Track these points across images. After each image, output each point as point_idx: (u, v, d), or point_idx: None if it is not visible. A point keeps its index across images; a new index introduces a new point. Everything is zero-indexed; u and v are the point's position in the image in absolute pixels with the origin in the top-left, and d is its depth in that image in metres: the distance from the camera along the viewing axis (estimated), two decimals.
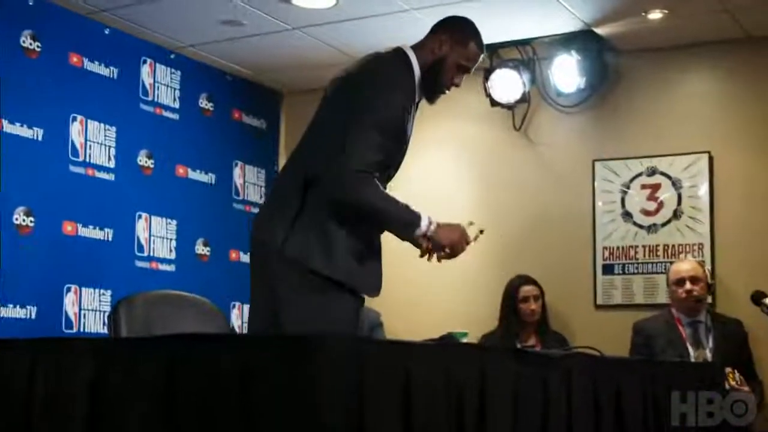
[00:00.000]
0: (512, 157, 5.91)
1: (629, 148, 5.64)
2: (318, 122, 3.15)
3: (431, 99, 3.19)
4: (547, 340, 5.28)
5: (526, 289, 5.40)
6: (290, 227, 2.98)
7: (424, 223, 3.01)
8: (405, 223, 3.01)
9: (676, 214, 5.48)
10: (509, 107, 5.76)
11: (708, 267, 5.25)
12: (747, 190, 5.36)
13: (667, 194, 5.51)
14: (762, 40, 5.39)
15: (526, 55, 5.72)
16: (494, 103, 5.68)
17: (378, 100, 2.97)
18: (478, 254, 5.80)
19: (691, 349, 4.84)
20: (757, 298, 4.66)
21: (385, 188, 3.06)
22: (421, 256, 3.09)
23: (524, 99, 5.69)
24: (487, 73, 5.62)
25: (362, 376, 1.83)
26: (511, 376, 2.25)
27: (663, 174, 5.53)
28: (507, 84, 5.63)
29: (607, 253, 5.60)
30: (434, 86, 3.16)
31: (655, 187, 5.54)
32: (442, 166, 6.10)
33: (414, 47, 3.16)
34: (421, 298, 5.91)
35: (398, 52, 3.13)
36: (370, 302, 5.50)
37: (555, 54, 5.58)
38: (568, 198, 5.74)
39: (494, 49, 5.68)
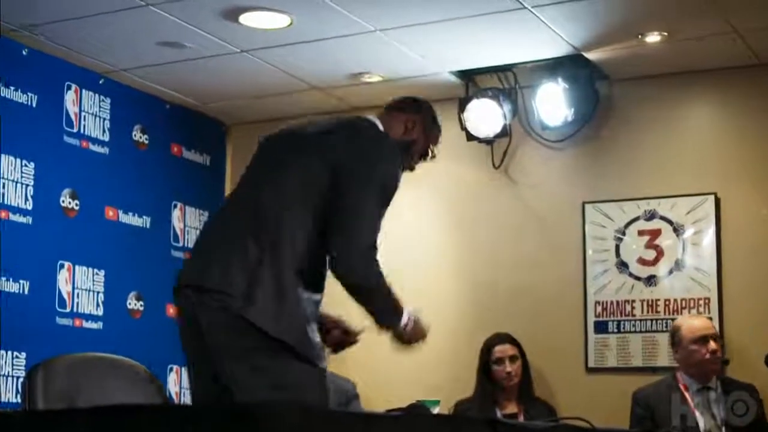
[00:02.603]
0: (491, 198, 5.93)
1: (624, 189, 5.67)
2: (297, 172, 3.27)
3: (405, 167, 3.48)
4: (530, 409, 5.27)
5: (501, 349, 5.39)
6: (253, 283, 3.08)
7: (404, 320, 3.30)
8: (392, 313, 3.29)
9: (679, 264, 5.51)
10: (488, 142, 5.79)
11: (717, 324, 5.27)
12: (758, 236, 5.41)
13: (668, 241, 5.54)
14: (765, 67, 5.47)
15: (506, 83, 5.75)
16: (471, 137, 5.70)
17: (386, 173, 3.27)
18: (454, 310, 5.86)
19: (701, 421, 4.83)
20: None
21: None
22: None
23: (505, 133, 5.71)
24: (463, 103, 5.65)
25: None
26: None
27: (663, 218, 5.57)
28: (485, 116, 5.65)
29: (599, 309, 5.61)
30: (407, 154, 3.47)
31: (655, 233, 5.57)
32: (412, 207, 6.08)
33: (380, 120, 3.47)
34: (397, 364, 5.86)
35: (374, 124, 3.43)
36: (343, 372, 5.58)
37: (540, 82, 5.62)
38: (555, 245, 5.75)
39: (470, 75, 5.72)
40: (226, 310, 3.06)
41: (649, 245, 5.57)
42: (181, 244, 6.07)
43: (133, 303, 5.72)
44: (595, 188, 5.73)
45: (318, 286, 3.23)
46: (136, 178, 5.85)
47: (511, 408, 5.35)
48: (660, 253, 5.56)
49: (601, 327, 5.59)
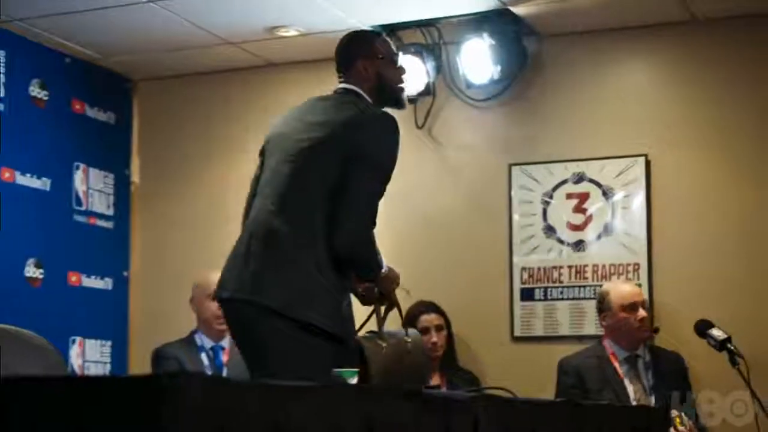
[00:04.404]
0: (413, 159, 5.94)
1: (552, 151, 5.75)
2: (309, 173, 3.66)
3: (402, 105, 3.98)
4: (454, 379, 5.35)
5: (427, 319, 5.46)
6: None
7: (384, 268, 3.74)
8: (376, 268, 3.73)
9: (608, 229, 5.61)
10: (411, 101, 5.81)
11: (646, 291, 5.40)
12: (690, 199, 5.53)
13: (596, 205, 5.64)
14: (712, 24, 5.55)
15: (430, 38, 5.79)
16: None
17: (383, 147, 3.68)
18: None
19: (630, 389, 4.95)
20: (702, 329, 4.80)
21: None
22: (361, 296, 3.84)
23: (428, 91, 5.77)
24: None
25: (224, 423, 1.84)
26: (405, 422, 2.27)
27: (592, 181, 5.66)
28: (409, 73, 5.66)
29: (526, 276, 5.70)
30: (394, 94, 3.91)
31: (583, 197, 5.67)
32: None
33: (350, 83, 3.87)
34: None
35: (354, 92, 3.82)
36: None
37: (465, 38, 5.66)
38: (480, 209, 5.82)
39: (393, 30, 5.74)
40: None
41: (578, 209, 5.66)
42: (83, 208, 6.04)
43: (32, 270, 5.68)
44: (522, 150, 5.81)
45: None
46: (34, 137, 5.79)
47: (435, 379, 5.40)
48: (588, 217, 5.64)
49: (527, 294, 5.68)
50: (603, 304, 5.12)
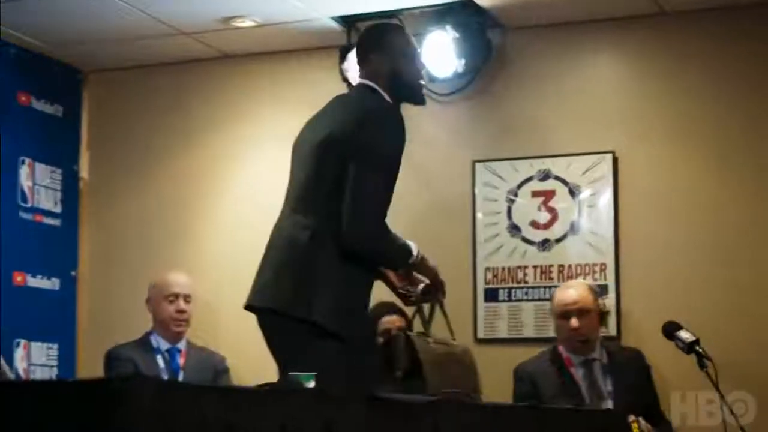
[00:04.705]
0: None
1: (517, 147, 5.77)
2: (317, 173, 3.79)
3: (420, 100, 4.01)
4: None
5: (388, 320, 5.46)
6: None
7: (414, 252, 3.81)
8: (403, 256, 3.80)
9: (574, 228, 5.63)
10: None
11: (613, 291, 5.43)
12: (659, 197, 5.54)
13: (563, 203, 5.66)
14: (681, 17, 5.58)
15: None
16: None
17: (383, 140, 3.72)
18: None
19: (586, 395, 4.97)
20: (670, 330, 4.85)
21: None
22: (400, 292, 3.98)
23: None
24: (344, 51, 5.66)
25: (177, 428, 1.85)
26: (364, 427, 2.29)
27: (558, 178, 5.68)
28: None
29: (490, 276, 5.71)
30: (411, 90, 3.95)
31: (549, 195, 5.68)
32: (286, 167, 6.10)
33: (366, 78, 3.92)
34: None
35: (368, 88, 3.87)
36: (216, 344, 5.61)
37: (427, 30, 5.65)
38: (443, 207, 5.83)
39: (353, 22, 5.72)
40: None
41: (543, 207, 5.67)
42: (29, 205, 5.99)
43: None
44: (486, 146, 5.81)
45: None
46: None
47: None
48: (554, 215, 5.67)
49: (491, 295, 5.69)
50: (550, 308, 5.18)
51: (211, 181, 6.25)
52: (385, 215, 3.73)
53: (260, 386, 2.55)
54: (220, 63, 6.30)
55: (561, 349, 5.08)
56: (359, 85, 3.95)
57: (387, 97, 3.85)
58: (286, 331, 3.69)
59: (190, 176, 6.27)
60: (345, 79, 5.69)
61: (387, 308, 5.51)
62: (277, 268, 3.74)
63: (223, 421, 1.97)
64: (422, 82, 3.99)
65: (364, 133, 3.69)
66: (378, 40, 3.97)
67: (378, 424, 2.36)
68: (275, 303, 3.71)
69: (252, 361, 5.70)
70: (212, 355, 5.60)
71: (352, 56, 5.63)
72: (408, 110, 5.88)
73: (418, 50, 4.05)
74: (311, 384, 3.12)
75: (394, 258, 3.80)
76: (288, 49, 6.12)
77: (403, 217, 5.82)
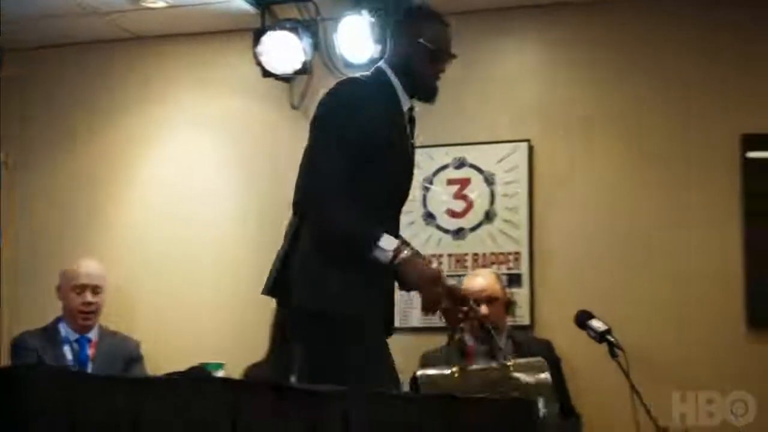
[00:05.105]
0: (289, 142, 5.93)
1: (433, 135, 5.74)
2: (304, 155, 3.61)
3: (424, 98, 3.70)
4: None
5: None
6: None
7: (388, 246, 3.34)
8: (361, 243, 3.39)
9: (489, 216, 5.66)
10: (286, 79, 5.81)
11: (527, 281, 5.47)
12: (574, 187, 5.60)
13: (477, 191, 5.69)
14: (604, 5, 5.64)
15: (307, 13, 5.77)
16: (267, 73, 5.70)
17: (334, 112, 3.51)
18: (246, 262, 5.90)
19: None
20: (582, 320, 4.90)
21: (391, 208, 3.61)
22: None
23: (305, 70, 5.74)
24: (258, 35, 5.63)
25: (80, 417, 1.84)
26: (271, 416, 2.29)
27: (473, 167, 5.72)
28: (283, 50, 5.66)
29: None
30: (416, 85, 3.66)
31: (464, 183, 5.72)
32: (198, 150, 6.10)
33: (385, 60, 3.68)
34: (189, 322, 5.91)
35: (372, 71, 3.66)
36: (132, 330, 5.55)
37: (343, 14, 5.65)
38: None
39: (267, 4, 5.70)
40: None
41: (458, 196, 5.71)
42: None
43: None
44: None
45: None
46: None
47: None
48: (469, 204, 5.70)
49: None
50: None
51: (125, 163, 6.20)
52: (336, 188, 3.40)
53: (169, 375, 2.53)
54: (135, 44, 6.24)
55: (466, 337, 5.08)
56: (375, 68, 3.70)
57: (395, 80, 3.62)
58: (291, 318, 3.65)
59: (104, 158, 6.21)
60: (259, 63, 5.67)
61: None
62: (277, 253, 3.61)
63: (129, 412, 1.96)
64: (433, 84, 3.70)
65: (320, 107, 3.56)
66: (409, 21, 3.71)
67: (285, 413, 2.35)
68: (265, 290, 3.61)
69: (167, 347, 5.70)
70: (125, 343, 5.53)
71: (267, 39, 5.66)
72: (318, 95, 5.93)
73: (453, 56, 3.73)
74: (220, 373, 3.12)
75: (347, 239, 3.41)
76: (201, 31, 6.08)
77: None
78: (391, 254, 3.33)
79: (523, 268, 5.55)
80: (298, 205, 3.53)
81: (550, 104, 5.69)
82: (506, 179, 5.65)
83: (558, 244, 5.57)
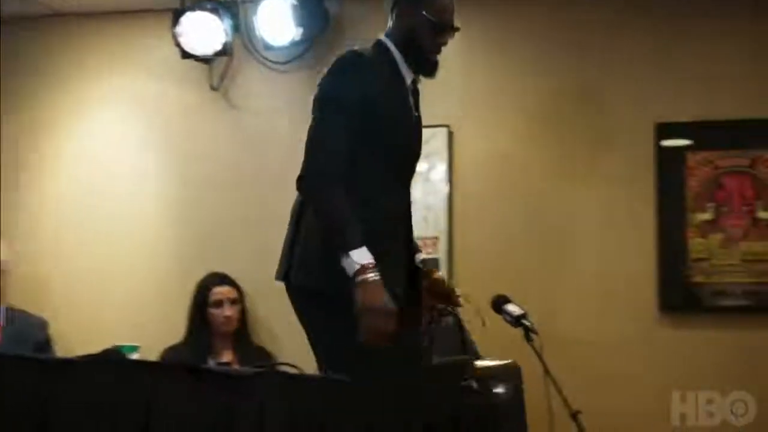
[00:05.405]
0: (208, 123, 5.95)
1: None
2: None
3: (426, 72, 3.68)
4: (247, 356, 5.35)
5: (220, 291, 5.47)
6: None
7: (359, 259, 3.24)
8: (334, 227, 3.33)
9: None
10: (205, 60, 5.79)
11: (445, 265, 5.51)
12: (493, 173, 5.65)
13: None
14: None
15: None
16: (186, 54, 5.67)
17: (331, 83, 3.48)
18: (163, 245, 5.88)
19: None
20: (499, 304, 4.95)
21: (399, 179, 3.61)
22: None
23: (225, 51, 5.72)
24: (177, 15, 5.60)
25: None
26: (185, 398, 2.30)
27: None
28: (203, 31, 5.64)
29: None
30: (418, 59, 3.63)
31: None
32: (113, 132, 6.06)
33: (387, 34, 3.63)
34: (104, 303, 5.87)
35: (373, 43, 3.60)
36: (41, 309, 5.48)
37: None
38: (279, 178, 5.81)
39: None
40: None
41: None
42: None
43: None
44: None
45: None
46: None
47: (227, 356, 5.41)
48: None
49: None
50: None
51: (41, 142, 6.11)
52: (335, 172, 3.36)
53: (81, 357, 2.52)
54: (56, 21, 6.16)
55: None
56: (375, 41, 3.63)
57: (395, 52, 3.59)
58: (292, 300, 3.61)
59: (20, 136, 6.12)
60: (178, 44, 5.64)
61: (218, 278, 5.52)
62: (285, 236, 3.62)
63: (38, 394, 1.96)
64: (434, 58, 3.68)
65: (321, 83, 3.52)
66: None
67: (199, 396, 2.37)
68: (278, 275, 3.60)
69: (81, 328, 5.66)
70: (34, 324, 5.43)
71: (186, 20, 5.63)
72: (243, 77, 5.92)
73: (456, 28, 3.71)
74: (135, 355, 3.11)
75: (329, 232, 3.36)
76: (121, 10, 6.03)
77: (236, 187, 5.85)
78: (356, 267, 3.23)
79: (441, 253, 5.58)
80: (298, 182, 3.50)
81: (470, 90, 5.72)
82: (426, 164, 5.66)
83: (476, 230, 5.61)
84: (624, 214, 5.47)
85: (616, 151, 5.51)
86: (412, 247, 3.70)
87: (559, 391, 4.68)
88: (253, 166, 5.86)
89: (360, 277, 3.23)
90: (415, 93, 3.71)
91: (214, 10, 5.64)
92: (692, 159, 5.42)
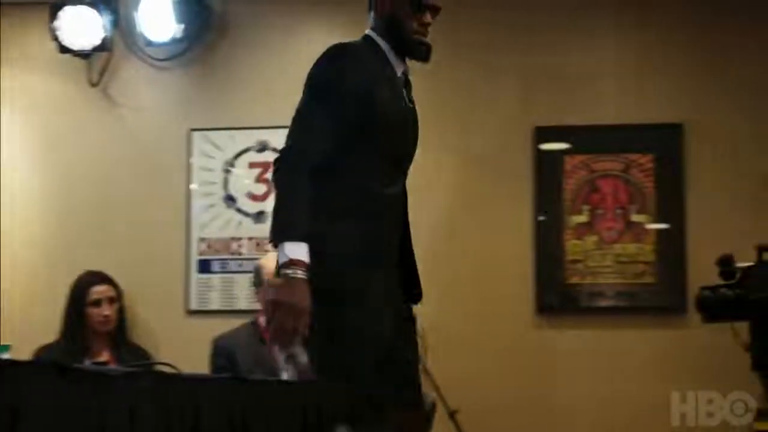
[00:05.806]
0: (87, 120, 5.91)
1: (236, 117, 5.81)
2: None
3: (417, 56, 3.58)
4: (123, 355, 5.32)
5: (98, 290, 5.43)
6: None
7: (290, 253, 3.15)
8: (278, 225, 3.25)
9: None
10: (84, 56, 5.74)
11: None
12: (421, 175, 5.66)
13: None
14: None
15: None
16: (64, 49, 5.63)
17: (316, 71, 3.49)
18: (38, 243, 5.81)
19: (286, 369, 4.98)
20: None
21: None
22: None
23: (105, 47, 5.69)
24: (55, 9, 5.56)
25: None
26: (53, 399, 2.28)
27: (276, 150, 5.70)
28: (82, 26, 5.61)
29: (204, 246, 5.75)
30: (404, 43, 3.55)
31: (266, 166, 5.70)
32: None
33: (372, 28, 3.60)
34: None
35: (360, 37, 3.59)
36: None
37: None
38: (157, 175, 5.82)
39: None
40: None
41: (260, 179, 5.75)
42: None
43: None
44: (204, 115, 5.83)
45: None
46: None
47: (104, 355, 5.38)
48: (271, 187, 5.73)
49: (204, 266, 5.73)
50: (257, 278, 5.02)
51: None
52: (306, 160, 3.32)
53: None
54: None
55: (261, 320, 4.95)
56: (363, 35, 3.61)
57: (383, 44, 3.55)
58: None
59: None
60: (55, 38, 5.59)
61: (97, 277, 5.48)
62: None
63: None
64: (422, 40, 3.56)
65: (310, 73, 3.51)
66: None
67: (68, 396, 2.35)
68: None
69: None
70: None
71: (64, 14, 5.58)
72: (123, 73, 5.87)
73: (437, 7, 3.60)
74: (6, 355, 3.08)
75: (285, 192, 3.32)
76: None
77: (114, 185, 5.81)
78: (284, 260, 3.16)
79: None
80: (278, 156, 3.45)
81: None
82: None
83: None
84: (503, 216, 5.55)
85: (496, 154, 5.58)
86: (409, 237, 3.62)
87: (437, 389, 4.77)
88: (133, 162, 5.83)
89: (285, 271, 3.16)
90: (407, 84, 3.66)
91: (92, 5, 5.61)
92: (569, 162, 5.53)
